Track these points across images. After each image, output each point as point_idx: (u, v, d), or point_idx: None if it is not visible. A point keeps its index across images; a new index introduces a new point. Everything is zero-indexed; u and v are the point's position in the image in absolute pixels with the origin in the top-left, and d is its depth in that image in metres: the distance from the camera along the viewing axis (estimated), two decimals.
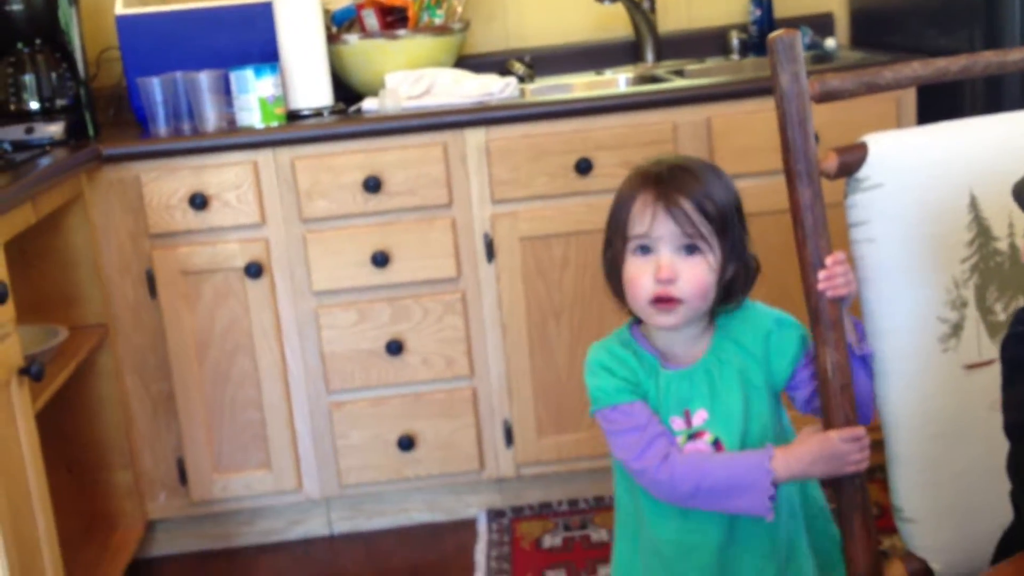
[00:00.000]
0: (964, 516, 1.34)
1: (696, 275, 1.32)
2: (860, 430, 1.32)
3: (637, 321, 1.43)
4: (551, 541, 2.41)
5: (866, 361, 1.33)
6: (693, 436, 1.37)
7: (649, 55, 2.80)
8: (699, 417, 1.38)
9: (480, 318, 2.43)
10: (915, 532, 1.37)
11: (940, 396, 1.33)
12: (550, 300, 2.43)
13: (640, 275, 1.34)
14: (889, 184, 1.30)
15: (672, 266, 1.32)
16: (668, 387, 1.38)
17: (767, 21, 2.77)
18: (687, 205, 1.31)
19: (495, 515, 2.53)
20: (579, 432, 2.47)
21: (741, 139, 2.38)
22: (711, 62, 2.79)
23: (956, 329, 1.33)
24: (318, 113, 2.45)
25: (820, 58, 2.67)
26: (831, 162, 1.31)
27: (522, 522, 2.49)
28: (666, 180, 1.33)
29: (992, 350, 1.33)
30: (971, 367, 1.33)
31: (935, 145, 1.33)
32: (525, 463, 2.49)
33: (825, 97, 1.31)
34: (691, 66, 2.75)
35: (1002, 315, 1.33)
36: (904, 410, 1.34)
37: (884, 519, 1.62)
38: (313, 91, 2.45)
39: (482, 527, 2.48)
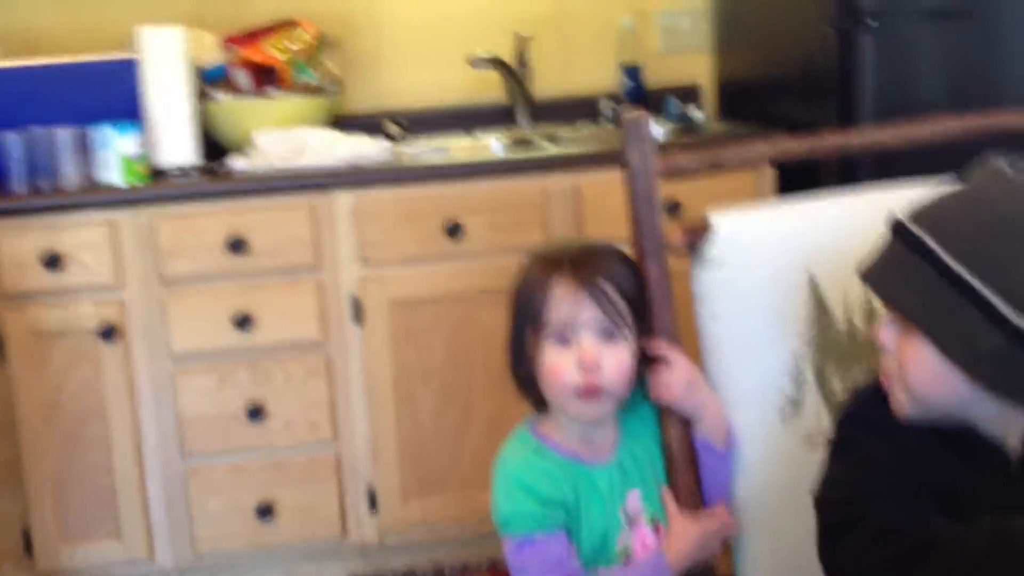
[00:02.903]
0: None
1: (619, 361, 1.28)
2: (727, 511, 1.33)
3: (534, 419, 1.37)
4: None
5: (726, 457, 1.33)
6: (632, 522, 1.34)
7: (523, 119, 2.83)
8: (633, 500, 1.34)
9: (345, 382, 2.39)
10: None
11: (782, 467, 1.35)
12: (419, 364, 2.40)
13: (562, 364, 1.27)
14: (732, 261, 1.33)
15: (596, 353, 1.26)
16: (604, 484, 1.32)
17: (637, 90, 2.82)
18: (608, 288, 1.27)
19: None
20: (445, 495, 2.44)
21: (610, 206, 2.39)
22: (583, 128, 2.83)
23: (796, 405, 1.35)
24: (183, 171, 2.39)
25: (687, 128, 2.73)
26: (677, 238, 1.33)
27: None
28: (583, 264, 1.28)
29: (831, 424, 1.35)
30: (811, 439, 1.35)
31: (776, 224, 1.37)
32: (389, 529, 2.44)
33: (672, 174, 1.34)
34: (564, 132, 2.79)
35: (840, 390, 1.36)
36: (748, 481, 1.36)
37: None
38: (179, 149, 2.40)
39: None
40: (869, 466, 1.10)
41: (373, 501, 2.43)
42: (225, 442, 2.35)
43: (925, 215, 1.05)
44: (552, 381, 1.28)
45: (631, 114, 1.30)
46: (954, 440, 1.09)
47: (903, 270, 1.04)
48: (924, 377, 1.05)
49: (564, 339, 1.27)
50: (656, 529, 1.34)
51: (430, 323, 2.39)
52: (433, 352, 2.40)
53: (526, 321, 1.30)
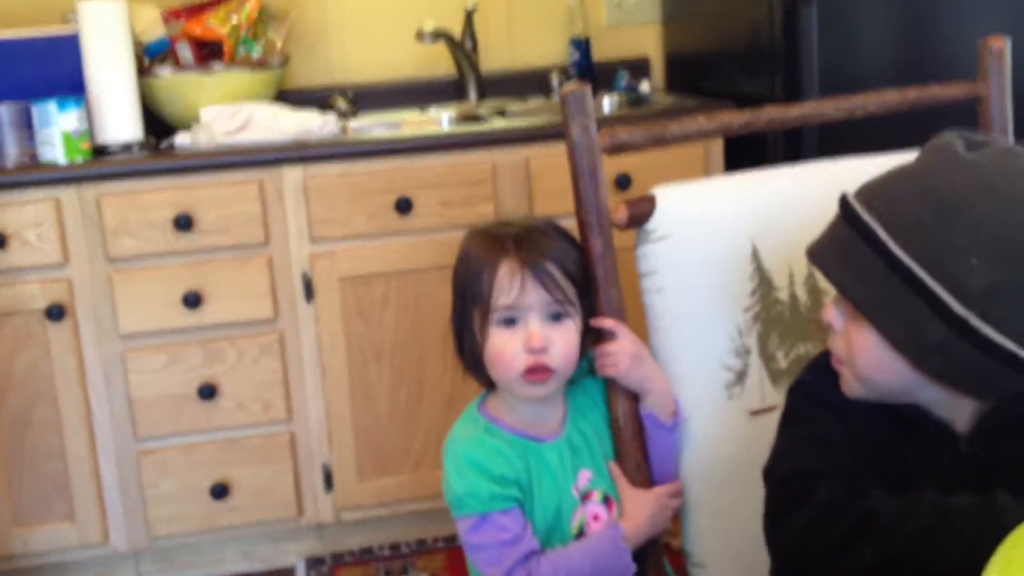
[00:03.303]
0: (752, 561, 1.37)
1: (567, 342, 1.28)
2: (679, 485, 1.35)
3: (482, 398, 1.37)
4: None
5: (673, 430, 1.34)
6: (584, 498, 1.34)
7: (472, 94, 2.81)
8: (583, 478, 1.35)
9: (298, 360, 2.38)
10: None
11: (726, 442, 1.36)
12: (371, 341, 2.40)
13: (509, 347, 1.26)
14: (676, 236, 1.34)
15: (543, 335, 1.26)
16: (554, 459, 1.33)
17: (586, 63, 2.82)
18: (553, 269, 1.27)
19: (315, 562, 2.47)
20: (401, 475, 2.44)
21: (558, 180, 2.39)
22: (533, 102, 2.83)
23: (740, 376, 1.37)
24: (127, 148, 2.36)
25: (635, 101, 2.73)
26: (621, 214, 1.33)
27: (343, 568, 2.44)
28: (526, 244, 1.27)
29: (775, 396, 1.37)
30: (755, 413, 1.37)
31: (719, 198, 1.37)
32: (345, 508, 2.45)
33: (615, 149, 1.34)
34: (513, 105, 2.78)
35: (783, 362, 1.38)
36: (693, 456, 1.37)
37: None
38: (122, 125, 2.36)
39: (301, 575, 2.42)
40: (817, 441, 1.10)
41: (328, 480, 2.42)
42: (177, 423, 2.33)
43: (875, 198, 1.04)
44: (500, 364, 1.28)
45: (572, 88, 1.30)
46: (903, 418, 1.09)
47: (851, 256, 1.03)
48: (870, 361, 1.05)
49: (511, 321, 1.27)
50: (608, 505, 1.35)
51: (381, 299, 2.39)
52: (385, 329, 2.40)
53: (471, 301, 1.29)
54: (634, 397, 1.34)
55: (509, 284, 1.26)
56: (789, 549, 1.09)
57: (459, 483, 1.29)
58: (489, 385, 1.34)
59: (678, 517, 1.39)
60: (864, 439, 1.09)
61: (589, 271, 1.31)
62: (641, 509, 1.32)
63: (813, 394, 1.14)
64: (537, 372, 1.27)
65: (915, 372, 1.04)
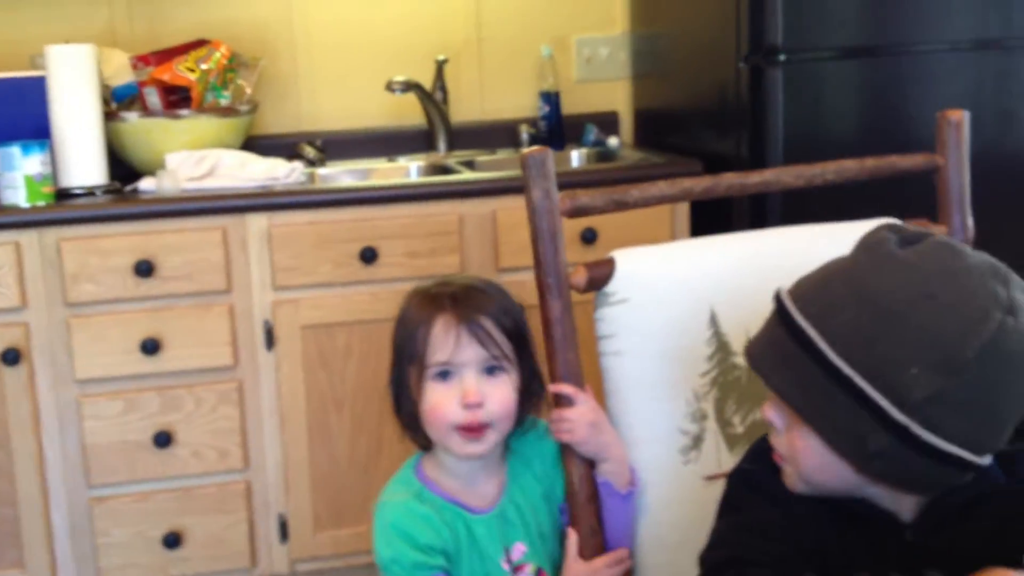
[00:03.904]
0: None
1: (502, 396, 1.29)
2: (622, 553, 1.33)
3: (419, 459, 1.37)
4: None
5: (628, 499, 1.33)
6: (516, 571, 1.34)
7: (441, 144, 2.82)
8: (517, 551, 1.34)
9: (257, 408, 2.35)
10: None
11: (681, 506, 1.36)
12: (332, 390, 2.38)
13: (444, 402, 1.27)
14: (635, 299, 1.34)
15: (478, 390, 1.27)
16: (485, 532, 1.33)
17: (555, 117, 2.84)
18: (489, 325, 1.28)
19: None
20: (358, 526, 2.41)
21: (526, 233, 2.40)
22: (501, 154, 2.84)
23: (697, 441, 1.36)
24: (90, 192, 2.34)
25: (603, 155, 2.75)
26: (580, 277, 1.33)
27: None
28: (462, 301, 1.29)
29: (730, 461, 1.36)
30: (710, 478, 1.36)
31: (679, 262, 1.38)
32: (300, 559, 2.41)
33: (575, 213, 1.34)
34: (482, 157, 2.79)
35: (740, 427, 1.38)
36: (648, 519, 1.36)
37: None
38: (86, 169, 2.35)
39: None
40: (753, 529, 1.09)
41: (284, 530, 2.39)
42: (131, 470, 2.30)
43: (811, 303, 1.03)
44: (435, 419, 1.28)
45: (533, 152, 1.31)
46: (846, 508, 1.08)
47: (789, 363, 1.02)
48: (814, 464, 1.04)
49: (446, 375, 1.28)
50: None
51: (344, 349, 2.37)
52: (346, 379, 2.38)
53: (408, 360, 1.30)
54: (590, 463, 1.33)
55: (444, 339, 1.27)
56: None
57: (385, 549, 1.29)
58: (426, 446, 1.34)
59: None
60: (804, 528, 1.08)
61: (545, 332, 1.31)
62: None
63: (752, 482, 1.13)
64: (473, 430, 1.27)
65: (859, 475, 1.04)
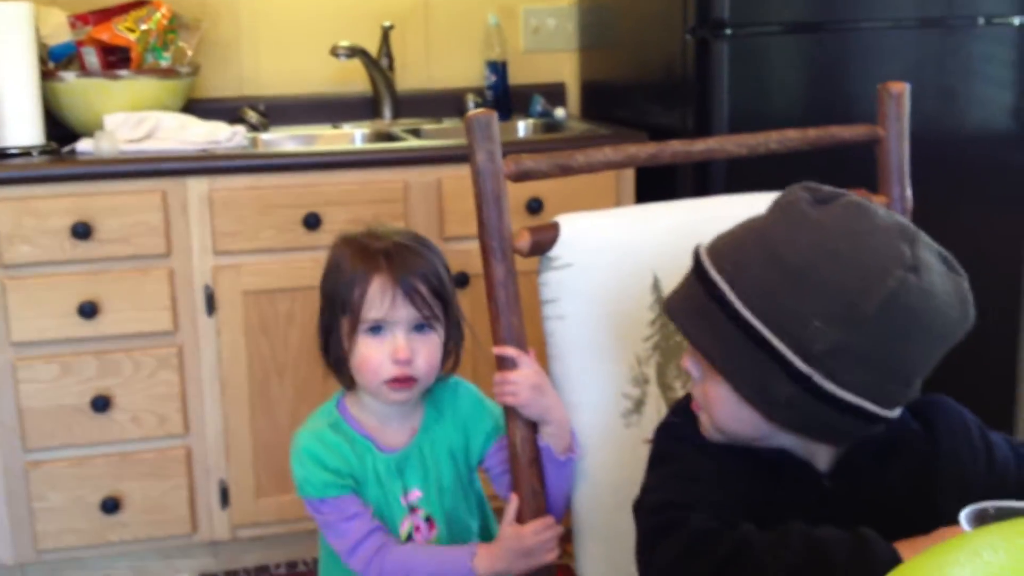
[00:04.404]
0: None
1: (430, 353, 1.36)
2: (549, 520, 1.36)
3: (343, 393, 1.43)
4: None
5: (566, 465, 1.35)
6: (412, 511, 1.41)
7: (387, 112, 2.80)
8: (413, 496, 1.41)
9: (197, 374, 2.33)
10: None
11: (622, 469, 1.37)
12: (273, 356, 2.36)
13: (376, 356, 1.34)
14: (578, 264, 1.34)
15: (409, 347, 1.33)
16: (386, 470, 1.39)
17: (502, 87, 2.83)
18: (422, 287, 1.33)
19: None
20: None
21: (470, 201, 2.40)
22: (447, 123, 2.83)
23: (638, 405, 1.38)
24: (26, 152, 2.29)
25: (550, 126, 2.75)
26: (524, 241, 1.33)
27: None
28: (396, 261, 1.34)
29: None
30: (651, 442, 1.37)
31: (622, 228, 1.39)
32: (242, 525, 2.40)
33: (520, 177, 1.34)
34: (427, 125, 2.78)
35: (681, 391, 1.39)
36: (588, 482, 1.37)
37: None
38: (22, 129, 2.30)
39: None
40: (686, 478, 1.12)
41: (225, 496, 2.38)
42: (68, 435, 2.27)
43: (725, 259, 1.07)
44: (366, 371, 1.35)
45: (478, 114, 1.30)
46: (765, 457, 1.12)
47: (704, 315, 1.06)
48: (726, 412, 1.09)
49: (378, 329, 1.34)
50: (430, 525, 1.42)
51: (285, 316, 2.35)
52: (288, 346, 2.36)
53: (341, 310, 1.36)
54: (532, 426, 1.34)
55: (380, 299, 1.33)
56: None
57: (298, 470, 1.37)
58: (350, 386, 1.41)
59: (571, 542, 1.40)
60: (731, 476, 1.11)
61: (488, 295, 1.32)
62: (499, 542, 1.36)
63: (680, 435, 1.17)
64: (402, 381, 1.35)
65: (769, 424, 1.07)
